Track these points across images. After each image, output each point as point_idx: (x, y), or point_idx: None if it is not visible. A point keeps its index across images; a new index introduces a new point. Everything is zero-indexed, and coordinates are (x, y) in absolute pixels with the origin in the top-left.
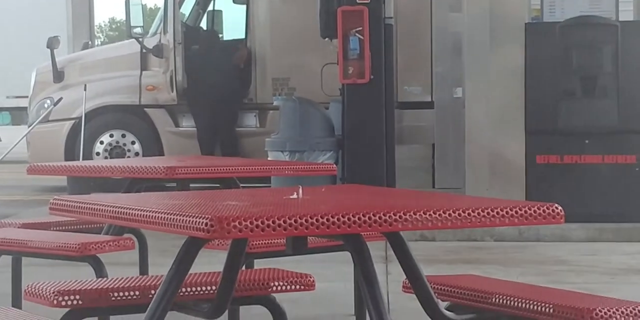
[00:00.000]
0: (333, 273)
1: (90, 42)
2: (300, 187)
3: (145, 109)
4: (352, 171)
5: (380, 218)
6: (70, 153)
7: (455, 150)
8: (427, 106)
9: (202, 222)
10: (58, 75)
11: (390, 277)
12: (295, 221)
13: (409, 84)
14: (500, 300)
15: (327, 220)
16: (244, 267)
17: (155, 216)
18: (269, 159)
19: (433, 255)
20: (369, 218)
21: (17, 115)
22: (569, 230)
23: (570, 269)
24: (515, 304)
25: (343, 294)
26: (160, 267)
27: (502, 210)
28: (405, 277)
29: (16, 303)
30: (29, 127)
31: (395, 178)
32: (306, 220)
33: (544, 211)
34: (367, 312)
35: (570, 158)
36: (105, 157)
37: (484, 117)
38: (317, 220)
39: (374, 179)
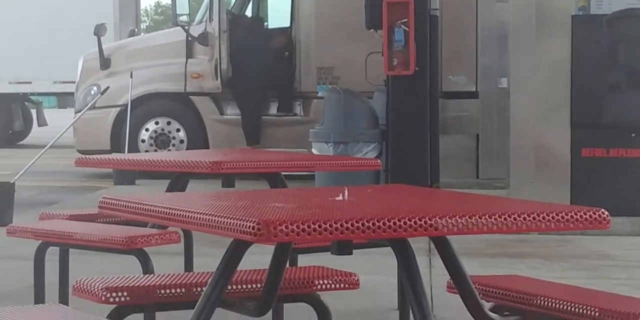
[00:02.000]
0: (376, 266)
1: (136, 30)
2: (346, 188)
3: (191, 97)
4: (396, 163)
5: (425, 222)
6: (115, 140)
7: (499, 141)
8: (472, 96)
9: (249, 225)
10: (105, 63)
11: (433, 270)
12: (341, 225)
13: (453, 73)
14: (545, 303)
15: (373, 224)
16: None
17: (202, 218)
18: (312, 149)
19: (476, 249)
20: (415, 222)
21: (63, 99)
22: (614, 224)
23: (615, 264)
24: (560, 306)
25: (386, 288)
26: (206, 257)
27: (548, 215)
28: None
29: (63, 294)
30: (75, 113)
31: (439, 169)
32: (352, 225)
33: (590, 216)
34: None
35: (616, 151)
36: (151, 145)
37: (529, 108)
38: (362, 224)
39: (418, 170)
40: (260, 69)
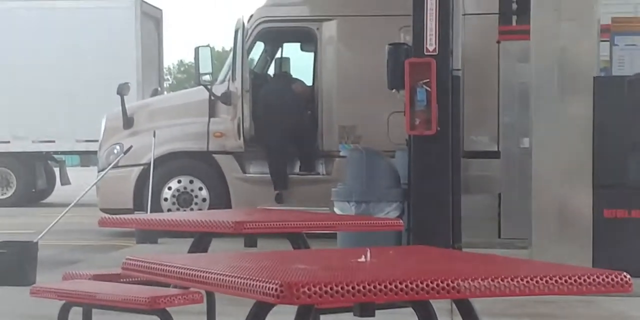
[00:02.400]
0: None
1: (159, 88)
2: (368, 249)
3: (213, 155)
4: (418, 222)
5: (448, 285)
6: (138, 198)
7: (521, 201)
8: (494, 156)
9: (272, 287)
10: (127, 122)
11: None
12: (364, 287)
13: (475, 133)
14: None
15: (396, 286)
16: None
17: (224, 279)
18: (335, 208)
19: (498, 309)
20: (437, 285)
21: (86, 158)
22: (637, 286)
23: None
24: None
25: None
26: (229, 317)
27: (570, 278)
28: None
29: None
30: (99, 172)
31: (460, 229)
32: (374, 287)
33: (612, 280)
34: None
35: (638, 212)
36: (173, 203)
37: (551, 169)
38: (385, 286)
39: (440, 230)
40: (284, 127)
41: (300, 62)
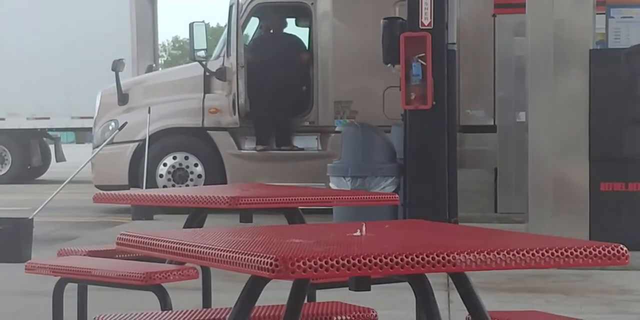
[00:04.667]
0: (395, 300)
1: (154, 65)
2: (364, 224)
3: (208, 132)
4: (414, 197)
5: (444, 259)
6: (133, 175)
7: (517, 175)
8: (490, 130)
9: (267, 261)
10: (122, 98)
11: (452, 305)
12: (359, 261)
13: (471, 107)
14: None
15: (391, 260)
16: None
17: (219, 254)
18: (330, 184)
19: (495, 283)
20: (433, 259)
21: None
22: (633, 259)
23: (635, 299)
24: None
25: None
26: (224, 292)
27: (566, 251)
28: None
29: None
30: (93, 149)
31: (457, 203)
32: (370, 261)
33: (608, 252)
34: None
35: (634, 185)
36: (168, 179)
37: (548, 142)
38: (380, 260)
39: (436, 204)
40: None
41: None
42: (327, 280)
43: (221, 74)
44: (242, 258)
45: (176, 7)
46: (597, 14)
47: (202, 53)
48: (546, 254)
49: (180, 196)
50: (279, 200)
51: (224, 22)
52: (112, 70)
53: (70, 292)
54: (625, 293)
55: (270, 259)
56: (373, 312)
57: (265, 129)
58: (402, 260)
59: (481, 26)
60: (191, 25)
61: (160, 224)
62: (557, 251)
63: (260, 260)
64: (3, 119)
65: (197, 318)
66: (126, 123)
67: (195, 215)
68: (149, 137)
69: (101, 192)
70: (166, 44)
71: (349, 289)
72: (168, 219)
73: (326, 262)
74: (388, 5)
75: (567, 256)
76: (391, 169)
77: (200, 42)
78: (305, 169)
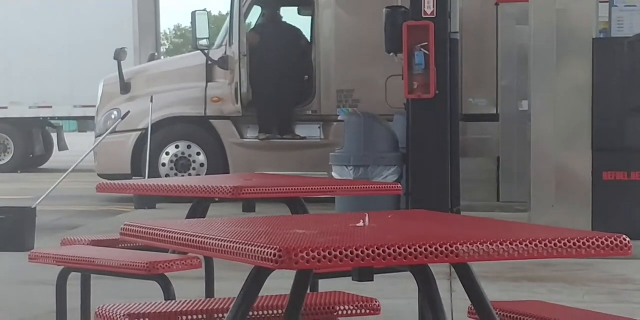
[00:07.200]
0: (397, 290)
1: (156, 54)
2: (367, 214)
3: (211, 121)
4: (416, 186)
5: (447, 249)
6: (136, 164)
7: (520, 164)
8: (493, 119)
9: (271, 252)
10: (125, 87)
11: (454, 295)
12: (362, 252)
13: (474, 96)
14: None
15: (394, 251)
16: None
17: (223, 245)
18: (333, 173)
19: (497, 273)
20: (436, 249)
21: (83, 123)
22: (636, 248)
23: (637, 288)
24: None
25: (408, 312)
26: (227, 281)
27: (569, 241)
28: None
29: None
30: (96, 138)
31: (459, 192)
32: (373, 251)
33: (611, 243)
34: None
35: (637, 175)
36: (171, 168)
37: (550, 132)
38: (383, 251)
39: (439, 193)
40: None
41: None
42: (330, 270)
43: (223, 62)
44: (245, 249)
45: None
46: (601, 2)
47: (204, 42)
48: (549, 245)
49: (184, 186)
50: (281, 190)
51: (226, 10)
52: (115, 59)
53: (74, 281)
54: (627, 282)
55: (274, 250)
56: (376, 302)
57: (267, 117)
58: (405, 251)
59: (484, 15)
60: (193, 14)
61: (163, 213)
62: (559, 242)
63: (264, 251)
64: (5, 108)
65: (200, 308)
66: (129, 112)
67: (199, 205)
68: (152, 126)
69: (105, 182)
70: (168, 33)
71: (352, 280)
72: (171, 207)
73: (330, 253)
74: None
75: (569, 247)
76: (394, 158)
77: (203, 31)
78: (308, 158)
